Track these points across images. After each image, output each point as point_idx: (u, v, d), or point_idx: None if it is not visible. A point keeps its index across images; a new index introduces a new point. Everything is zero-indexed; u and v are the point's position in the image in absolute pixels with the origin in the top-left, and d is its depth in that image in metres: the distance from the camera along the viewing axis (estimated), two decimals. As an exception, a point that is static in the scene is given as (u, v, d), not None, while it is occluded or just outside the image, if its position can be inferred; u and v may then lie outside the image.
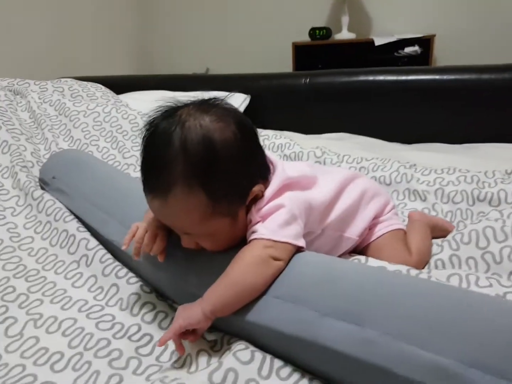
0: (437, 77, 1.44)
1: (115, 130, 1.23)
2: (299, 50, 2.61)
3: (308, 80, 1.60)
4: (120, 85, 1.79)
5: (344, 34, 2.58)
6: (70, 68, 2.27)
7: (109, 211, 0.78)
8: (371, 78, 1.52)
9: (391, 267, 0.61)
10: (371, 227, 0.75)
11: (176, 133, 0.54)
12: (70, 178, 0.89)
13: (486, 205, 0.86)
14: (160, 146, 0.55)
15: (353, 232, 0.72)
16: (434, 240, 0.77)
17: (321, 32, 2.58)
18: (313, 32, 2.59)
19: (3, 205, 0.91)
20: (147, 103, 1.33)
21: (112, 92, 1.56)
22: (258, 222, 0.58)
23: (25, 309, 0.67)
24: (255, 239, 0.56)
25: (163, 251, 0.63)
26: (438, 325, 0.43)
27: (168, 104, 0.58)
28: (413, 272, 0.61)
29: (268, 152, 0.65)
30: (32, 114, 1.26)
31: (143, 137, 0.57)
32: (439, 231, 0.81)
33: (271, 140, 1.23)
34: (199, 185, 0.54)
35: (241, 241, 0.60)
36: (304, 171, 0.67)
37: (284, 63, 2.66)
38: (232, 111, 0.59)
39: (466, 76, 1.42)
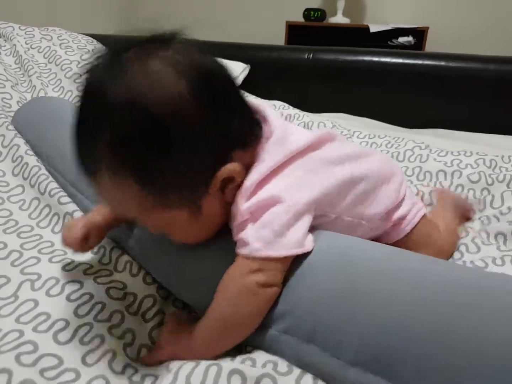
0: (442, 63, 1.42)
1: (110, 84, 1.13)
2: (292, 29, 2.55)
3: (311, 55, 1.54)
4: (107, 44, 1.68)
5: (339, 18, 2.55)
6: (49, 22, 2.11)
7: (77, 186, 0.68)
8: (376, 59, 1.49)
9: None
10: (395, 223, 0.60)
11: (104, 93, 0.40)
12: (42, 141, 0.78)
13: (504, 186, 0.83)
14: (86, 108, 0.42)
15: (373, 219, 0.57)
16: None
17: (316, 14, 2.53)
18: (307, 13, 2.54)
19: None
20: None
21: (104, 47, 1.44)
22: (246, 220, 0.44)
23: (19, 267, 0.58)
24: (242, 256, 0.44)
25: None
26: None
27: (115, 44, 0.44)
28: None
29: (261, 104, 0.51)
30: (18, 59, 1.15)
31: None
32: (461, 210, 0.77)
33: (279, 111, 1.18)
34: (127, 171, 0.40)
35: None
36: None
37: (276, 42, 2.59)
38: (193, 53, 0.43)
39: (471, 65, 1.41)
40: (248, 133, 0.46)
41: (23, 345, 0.44)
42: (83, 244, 0.54)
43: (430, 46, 2.41)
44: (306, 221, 0.45)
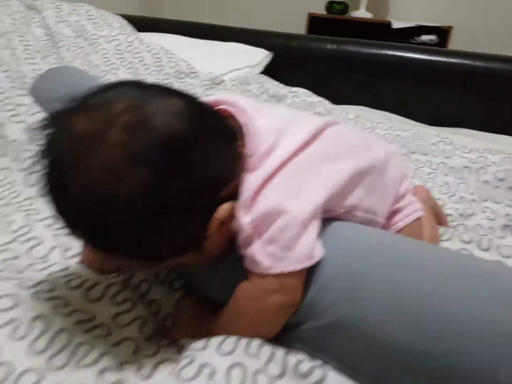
0: (468, 62, 1.41)
1: (137, 61, 1.14)
2: (314, 21, 2.53)
3: (335, 46, 1.53)
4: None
5: (362, 13, 2.53)
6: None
7: None
8: (399, 54, 1.48)
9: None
10: (389, 215, 0.57)
11: (65, 187, 0.38)
12: None
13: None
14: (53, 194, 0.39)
15: (383, 214, 0.55)
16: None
17: (339, 7, 2.51)
18: (330, 5, 2.52)
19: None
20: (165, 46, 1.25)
21: (131, 26, 1.45)
22: (251, 235, 0.42)
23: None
24: (255, 274, 0.42)
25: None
26: None
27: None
28: None
29: (238, 107, 0.46)
30: (48, 31, 1.15)
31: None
32: (437, 217, 0.70)
33: (301, 98, 1.18)
34: (120, 253, 0.41)
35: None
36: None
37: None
38: (143, 125, 0.37)
39: (497, 65, 1.40)
40: (229, 170, 0.42)
41: (56, 299, 0.46)
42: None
43: (453, 46, 2.39)
44: (313, 228, 0.43)
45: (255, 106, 0.47)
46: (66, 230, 0.41)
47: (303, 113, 0.57)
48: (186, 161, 0.38)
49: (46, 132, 0.39)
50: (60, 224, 0.41)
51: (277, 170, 0.43)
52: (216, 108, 0.46)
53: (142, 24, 1.67)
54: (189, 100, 0.42)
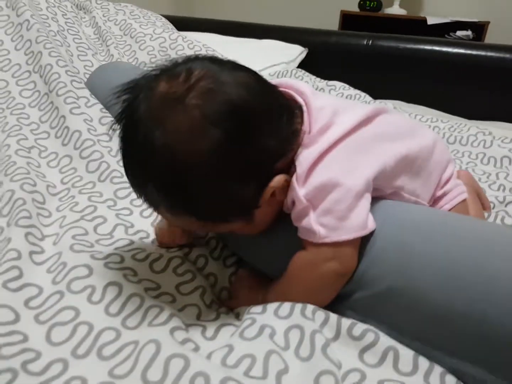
0: (507, 55, 1.40)
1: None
2: (346, 19, 2.55)
3: (370, 41, 1.55)
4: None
5: (395, 9, 2.52)
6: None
7: None
8: (437, 48, 1.48)
9: None
10: (435, 200, 0.60)
11: (145, 141, 0.42)
12: None
13: None
14: (130, 154, 0.45)
15: (427, 198, 0.57)
16: None
17: (372, 3, 2.51)
18: (363, 2, 2.53)
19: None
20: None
21: (172, 25, 1.50)
22: (306, 207, 0.45)
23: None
24: (311, 243, 0.45)
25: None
26: None
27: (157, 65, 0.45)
28: None
29: (298, 87, 0.50)
30: (97, 29, 1.22)
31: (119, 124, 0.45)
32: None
33: (339, 91, 1.20)
34: (181, 209, 0.45)
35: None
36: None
37: (329, 30, 2.60)
38: (216, 92, 0.42)
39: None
40: (287, 144, 0.46)
41: (125, 269, 0.51)
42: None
43: (489, 41, 2.36)
44: (366, 201, 0.46)
45: (312, 90, 0.50)
46: (137, 190, 0.47)
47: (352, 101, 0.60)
48: (251, 128, 0.42)
49: (130, 94, 0.44)
50: (133, 183, 0.46)
51: (332, 146, 0.45)
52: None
53: (181, 23, 1.72)
54: (256, 76, 0.46)
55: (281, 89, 0.49)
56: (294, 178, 0.45)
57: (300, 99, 0.49)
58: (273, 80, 0.50)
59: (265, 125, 0.43)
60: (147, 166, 0.43)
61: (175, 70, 0.43)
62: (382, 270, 0.45)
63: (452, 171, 0.61)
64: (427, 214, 0.49)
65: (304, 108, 0.48)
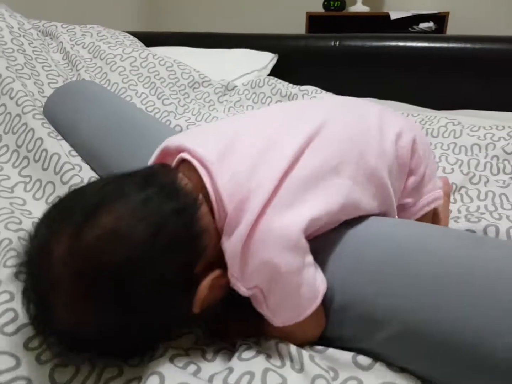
0: (468, 45, 1.45)
1: (153, 76, 1.20)
2: (312, 20, 2.58)
3: (337, 42, 1.58)
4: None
5: (359, 7, 2.57)
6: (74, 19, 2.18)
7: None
8: (401, 43, 1.52)
9: None
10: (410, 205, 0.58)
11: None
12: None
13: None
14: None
15: (392, 209, 0.55)
16: None
17: (336, 3, 2.56)
18: (327, 3, 2.57)
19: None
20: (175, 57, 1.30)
21: (140, 42, 1.51)
22: (254, 295, 0.43)
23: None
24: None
25: None
26: None
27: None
28: None
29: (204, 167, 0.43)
30: (65, 55, 1.22)
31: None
32: None
33: (311, 95, 1.22)
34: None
35: None
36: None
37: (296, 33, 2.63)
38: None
39: (496, 46, 1.44)
40: (196, 249, 0.41)
41: None
42: None
43: (451, 31, 2.43)
44: (310, 267, 0.43)
45: (219, 147, 0.44)
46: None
47: (294, 115, 0.54)
48: (133, 292, 0.39)
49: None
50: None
51: (255, 224, 0.40)
52: (179, 155, 0.46)
53: (149, 39, 1.73)
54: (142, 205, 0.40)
55: (182, 155, 0.45)
56: (229, 274, 0.42)
57: (203, 173, 0.42)
58: (175, 143, 0.47)
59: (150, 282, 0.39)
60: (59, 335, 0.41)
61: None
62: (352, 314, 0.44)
63: (431, 172, 0.59)
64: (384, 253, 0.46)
65: (210, 188, 0.42)
